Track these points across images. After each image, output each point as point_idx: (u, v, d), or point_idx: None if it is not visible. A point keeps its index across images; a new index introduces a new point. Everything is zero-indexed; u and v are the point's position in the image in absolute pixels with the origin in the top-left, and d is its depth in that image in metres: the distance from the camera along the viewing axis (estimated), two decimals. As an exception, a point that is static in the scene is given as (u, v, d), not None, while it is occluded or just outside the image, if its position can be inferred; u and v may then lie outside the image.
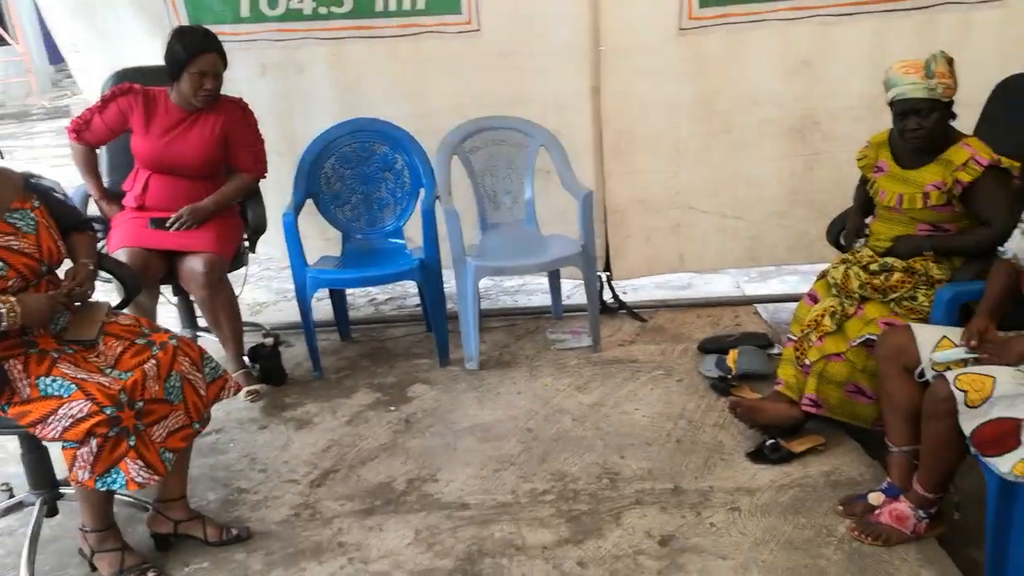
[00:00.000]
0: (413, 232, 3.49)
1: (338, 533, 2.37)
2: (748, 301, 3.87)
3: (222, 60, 3.02)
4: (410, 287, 4.22)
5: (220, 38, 3.03)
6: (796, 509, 2.34)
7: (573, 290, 3.93)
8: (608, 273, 3.80)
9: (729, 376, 3.02)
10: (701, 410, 2.90)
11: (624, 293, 3.88)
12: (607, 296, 3.80)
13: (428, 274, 3.27)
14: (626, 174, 3.69)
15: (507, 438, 2.80)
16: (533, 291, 4.18)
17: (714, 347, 3.26)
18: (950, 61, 2.42)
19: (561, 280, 3.73)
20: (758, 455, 2.57)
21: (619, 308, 3.77)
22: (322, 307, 3.62)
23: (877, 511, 2.20)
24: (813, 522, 2.28)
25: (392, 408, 3.05)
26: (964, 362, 2.05)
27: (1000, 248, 2.20)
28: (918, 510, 2.13)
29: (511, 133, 3.52)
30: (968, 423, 1.90)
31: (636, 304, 3.86)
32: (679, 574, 2.12)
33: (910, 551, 2.13)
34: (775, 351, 3.18)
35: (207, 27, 3.10)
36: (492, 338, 3.59)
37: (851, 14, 3.42)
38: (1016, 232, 2.15)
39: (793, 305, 2.86)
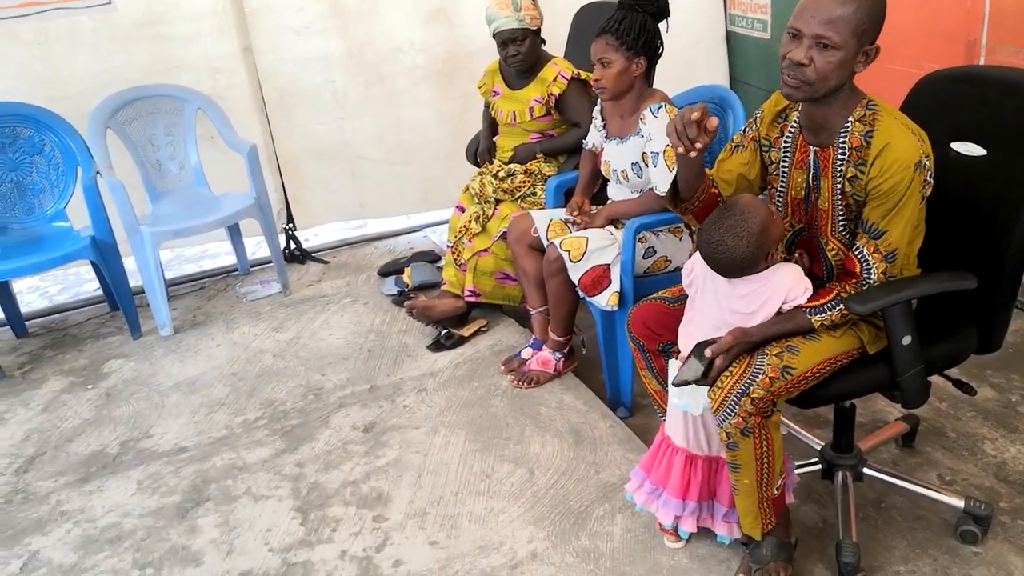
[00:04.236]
0: (80, 213, 3.41)
1: (57, 505, 2.40)
2: (418, 228, 4.30)
3: None
4: (84, 274, 4.10)
5: None
6: (470, 378, 2.81)
7: (258, 246, 4.08)
8: (291, 225, 3.99)
9: (407, 290, 3.41)
10: (387, 323, 3.28)
11: (306, 240, 4.12)
12: (291, 246, 4.00)
13: (103, 250, 3.26)
14: (293, 127, 3.86)
15: (213, 385, 2.95)
16: (216, 254, 4.26)
17: (392, 269, 3.64)
18: (533, -5, 2.94)
19: (243, 237, 3.85)
20: (437, 345, 3.00)
21: (302, 256, 4.01)
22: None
23: (528, 362, 2.74)
24: (484, 383, 2.77)
25: (90, 387, 3.05)
26: (568, 231, 2.60)
27: (584, 142, 2.79)
28: (555, 352, 2.69)
29: (164, 100, 3.55)
30: (575, 274, 2.46)
31: (317, 248, 4.12)
32: (383, 449, 2.49)
33: (555, 385, 2.70)
34: (442, 263, 3.59)
35: None
36: (183, 303, 3.66)
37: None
38: (591, 128, 2.74)
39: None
